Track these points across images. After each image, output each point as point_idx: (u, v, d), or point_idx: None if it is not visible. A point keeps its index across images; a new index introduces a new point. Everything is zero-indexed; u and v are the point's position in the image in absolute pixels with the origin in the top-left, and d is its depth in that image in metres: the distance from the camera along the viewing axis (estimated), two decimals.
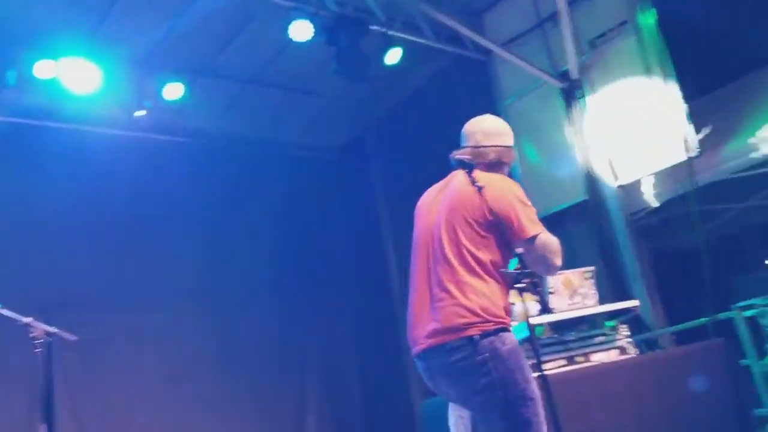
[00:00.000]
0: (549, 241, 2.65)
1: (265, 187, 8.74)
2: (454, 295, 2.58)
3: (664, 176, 6.48)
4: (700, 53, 7.61)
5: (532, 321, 3.63)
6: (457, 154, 2.88)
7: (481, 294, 2.57)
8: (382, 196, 9.45)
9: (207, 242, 8.18)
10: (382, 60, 6.86)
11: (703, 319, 5.65)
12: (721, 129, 6.53)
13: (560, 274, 4.36)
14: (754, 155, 6.18)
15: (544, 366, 3.08)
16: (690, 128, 6.18)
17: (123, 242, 7.62)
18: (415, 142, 8.26)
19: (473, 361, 2.49)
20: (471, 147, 2.92)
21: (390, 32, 6.89)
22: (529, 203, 2.74)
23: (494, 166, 2.91)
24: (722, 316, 5.53)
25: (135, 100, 7.35)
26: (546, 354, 4.07)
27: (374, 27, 6.71)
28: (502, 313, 2.60)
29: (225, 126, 8.49)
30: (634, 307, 4.61)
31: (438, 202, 2.87)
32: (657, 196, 6.73)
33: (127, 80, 7.11)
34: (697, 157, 6.11)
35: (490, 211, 2.61)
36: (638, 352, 4.51)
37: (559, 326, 4.22)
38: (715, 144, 6.36)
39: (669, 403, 4.05)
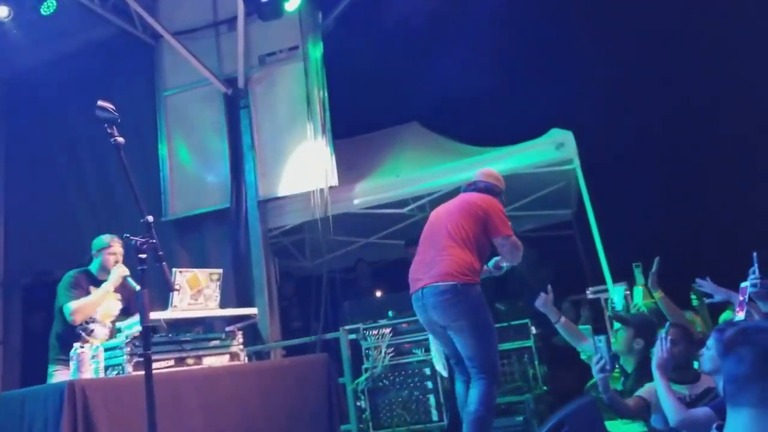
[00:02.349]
0: (517, 240, 4.02)
1: None
2: (452, 252, 3.88)
3: (303, 200, 6.82)
4: (355, 98, 8.39)
5: (152, 317, 3.41)
6: (468, 184, 4.33)
7: (468, 258, 3.88)
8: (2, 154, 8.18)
9: None
10: (38, 7, 6.00)
11: (312, 337, 6.03)
12: (358, 169, 7.18)
13: (189, 272, 4.21)
14: (381, 196, 6.91)
15: (153, 365, 2.91)
16: (332, 161, 6.62)
17: None
18: (56, 105, 7.36)
19: (455, 299, 3.79)
20: (474, 180, 4.33)
21: None
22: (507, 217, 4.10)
23: (486, 190, 4.22)
24: (329, 335, 5.98)
25: None
26: (157, 352, 3.85)
27: None
28: (476, 274, 3.91)
29: None
30: (252, 315, 4.66)
31: (453, 205, 4.16)
32: (293, 217, 7.05)
33: None
34: (333, 187, 6.56)
35: (485, 214, 3.99)
36: (248, 361, 4.56)
37: (177, 324, 4.04)
38: (352, 180, 6.94)
39: (271, 411, 4.14)
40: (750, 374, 1.62)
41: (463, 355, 3.86)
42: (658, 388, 3.10)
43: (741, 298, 3.03)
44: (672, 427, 3.01)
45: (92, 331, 4.49)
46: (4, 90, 8.13)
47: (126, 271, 4.52)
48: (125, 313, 4.61)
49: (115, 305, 4.63)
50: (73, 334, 4.39)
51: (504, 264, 4.25)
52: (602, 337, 3.44)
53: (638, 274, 5.04)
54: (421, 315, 4.03)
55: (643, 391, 3.61)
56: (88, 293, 4.48)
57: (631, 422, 3.77)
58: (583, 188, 5.91)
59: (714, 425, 1.74)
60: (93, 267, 4.64)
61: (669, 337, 3.16)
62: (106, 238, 4.65)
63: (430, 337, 4.58)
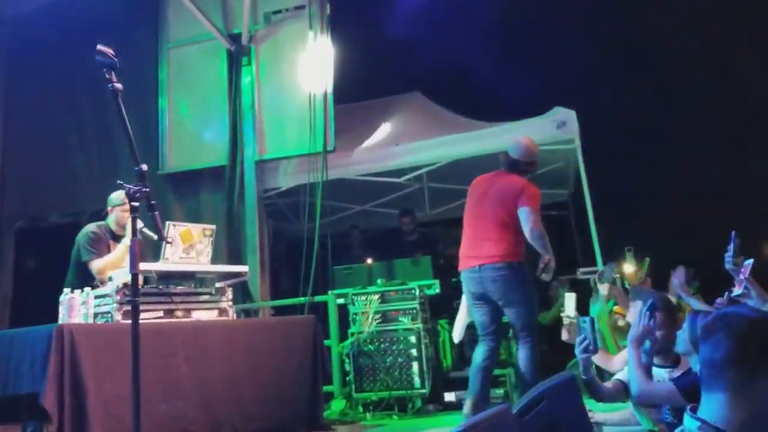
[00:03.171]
0: (538, 217, 4.40)
1: None
2: (505, 238, 4.38)
3: (301, 163, 6.80)
4: (359, 64, 8.32)
5: (143, 267, 3.44)
6: (506, 159, 4.61)
7: (517, 242, 4.38)
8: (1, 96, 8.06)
9: None
10: None
11: (302, 299, 6.07)
12: (357, 135, 7.15)
13: (182, 225, 4.22)
14: (379, 165, 6.90)
15: (142, 315, 2.96)
16: (332, 125, 6.57)
17: None
18: (57, 49, 7.26)
19: (511, 276, 4.34)
20: (516, 158, 4.58)
21: None
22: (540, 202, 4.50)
23: (525, 171, 4.60)
24: (318, 298, 6.03)
25: None
26: (147, 303, 3.88)
27: None
28: (523, 255, 4.43)
29: None
30: (243, 273, 4.68)
31: (495, 186, 4.53)
32: (289, 179, 7.04)
33: None
34: (331, 152, 6.54)
35: (520, 194, 4.37)
36: (236, 317, 4.60)
37: (167, 277, 4.06)
38: (350, 146, 6.92)
39: (256, 366, 4.19)
40: (726, 360, 1.64)
41: (515, 323, 4.44)
42: (629, 359, 3.15)
43: (741, 277, 3.08)
44: (636, 397, 3.08)
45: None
46: (5, 31, 8.02)
47: (140, 224, 4.56)
48: None
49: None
50: (87, 285, 4.46)
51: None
52: (587, 318, 3.46)
53: (630, 257, 5.08)
54: (476, 287, 4.48)
55: (621, 374, 3.65)
56: (107, 246, 4.64)
57: None
58: (582, 169, 5.91)
59: (688, 407, 1.76)
60: (109, 222, 4.77)
61: (647, 314, 3.20)
62: (120, 195, 4.72)
63: (461, 310, 4.89)
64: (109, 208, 4.76)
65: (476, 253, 4.50)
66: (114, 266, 4.50)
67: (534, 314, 4.50)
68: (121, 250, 4.57)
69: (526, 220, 4.35)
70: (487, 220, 4.50)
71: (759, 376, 1.62)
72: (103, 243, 4.63)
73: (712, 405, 1.65)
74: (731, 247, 3.28)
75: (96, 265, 4.53)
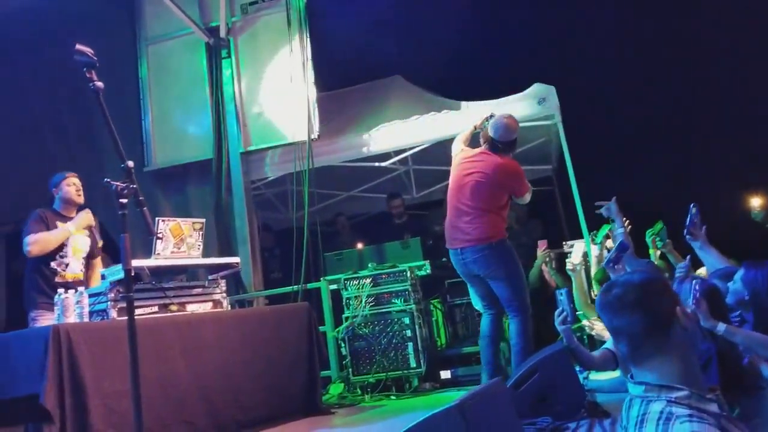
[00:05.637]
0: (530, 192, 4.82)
1: None
2: (485, 219, 4.57)
3: (286, 153, 6.82)
4: (338, 51, 8.31)
5: (135, 264, 3.47)
6: (487, 138, 4.77)
7: (498, 221, 4.62)
8: None
9: None
10: None
11: (295, 287, 6.12)
12: (341, 122, 7.17)
13: (171, 221, 4.25)
14: (364, 150, 6.93)
15: (137, 311, 3.00)
16: (315, 113, 6.57)
17: None
18: (34, 50, 7.19)
19: (492, 254, 4.53)
20: (494, 138, 4.70)
21: None
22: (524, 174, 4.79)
23: (506, 150, 4.72)
24: (311, 285, 6.08)
25: None
26: (141, 299, 3.93)
27: None
28: (505, 231, 4.65)
29: None
30: (235, 264, 4.72)
31: (477, 168, 4.67)
32: (276, 169, 7.07)
33: None
34: (316, 140, 6.56)
35: (512, 185, 4.68)
36: (230, 308, 4.65)
37: (160, 272, 4.10)
38: (335, 133, 6.94)
39: (252, 356, 4.24)
40: (644, 332, 1.69)
41: (501, 297, 4.61)
42: None
43: None
44: None
45: (68, 265, 4.60)
46: None
47: (92, 222, 4.65)
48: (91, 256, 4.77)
49: (85, 241, 4.73)
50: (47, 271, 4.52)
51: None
52: (564, 291, 3.54)
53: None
54: (461, 268, 4.72)
55: (610, 343, 3.73)
56: (49, 228, 4.54)
57: None
58: (564, 144, 5.97)
59: (629, 375, 1.81)
60: (56, 204, 4.73)
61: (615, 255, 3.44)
62: (59, 174, 4.74)
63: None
64: (53, 189, 4.71)
65: (458, 236, 4.68)
66: (46, 243, 4.47)
67: (521, 288, 4.61)
68: (59, 232, 4.51)
69: (524, 200, 4.82)
70: (468, 202, 4.65)
71: (672, 328, 1.69)
72: (44, 223, 4.52)
73: (645, 370, 1.71)
74: (689, 218, 3.45)
75: (27, 238, 4.44)
